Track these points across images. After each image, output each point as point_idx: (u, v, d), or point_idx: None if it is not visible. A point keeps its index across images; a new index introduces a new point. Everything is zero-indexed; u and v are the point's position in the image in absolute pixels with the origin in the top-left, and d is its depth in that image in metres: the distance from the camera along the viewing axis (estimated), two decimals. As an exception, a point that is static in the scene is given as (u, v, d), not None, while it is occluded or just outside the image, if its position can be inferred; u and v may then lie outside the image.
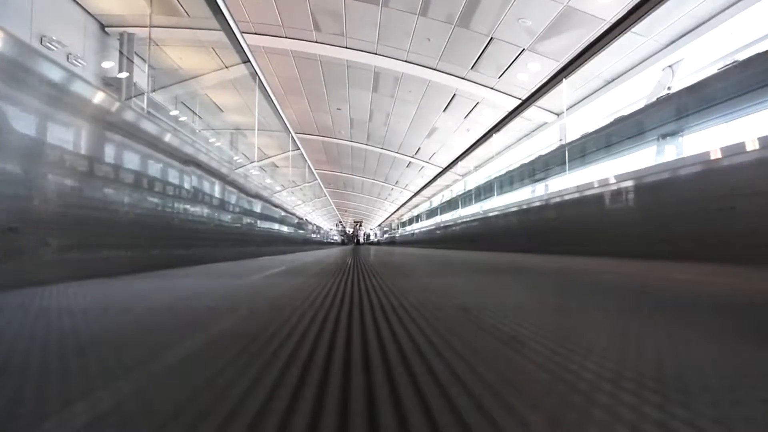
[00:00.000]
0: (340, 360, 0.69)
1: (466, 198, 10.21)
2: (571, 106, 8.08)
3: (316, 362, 0.67)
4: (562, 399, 0.52)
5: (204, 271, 2.65)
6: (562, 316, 1.19)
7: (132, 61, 7.13)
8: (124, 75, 6.89)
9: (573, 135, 7.20)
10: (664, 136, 3.62)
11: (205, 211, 3.51)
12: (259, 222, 5.51)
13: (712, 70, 3.81)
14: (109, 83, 6.56)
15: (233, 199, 4.34)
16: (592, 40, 4.84)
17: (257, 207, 5.40)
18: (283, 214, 7.69)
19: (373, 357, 0.71)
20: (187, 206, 3.06)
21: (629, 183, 3.28)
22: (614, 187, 3.41)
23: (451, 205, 11.75)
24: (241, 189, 4.69)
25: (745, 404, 0.50)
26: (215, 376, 0.60)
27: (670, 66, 5.57)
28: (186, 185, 3.03)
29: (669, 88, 5.33)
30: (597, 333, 0.93)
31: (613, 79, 6.85)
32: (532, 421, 0.46)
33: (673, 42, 5.48)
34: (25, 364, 0.66)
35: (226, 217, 4.13)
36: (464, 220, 8.89)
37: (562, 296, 1.62)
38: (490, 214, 7.01)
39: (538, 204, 5.03)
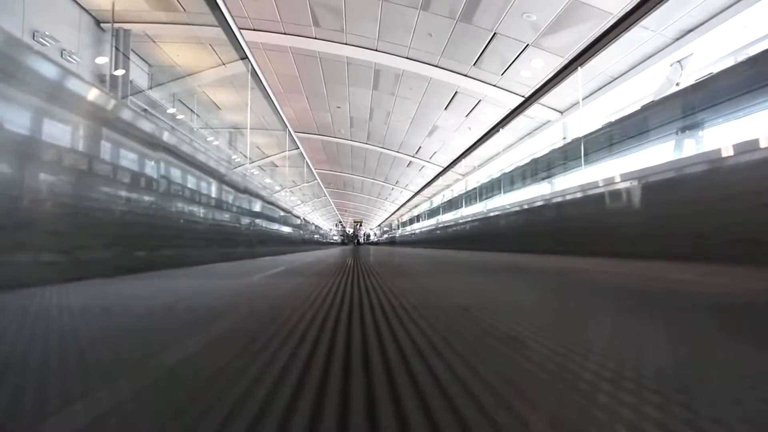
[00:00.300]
0: (340, 360, 0.70)
1: (467, 197, 10.20)
2: (575, 104, 8.07)
3: (317, 362, 0.68)
4: (562, 399, 0.53)
5: (203, 271, 2.65)
6: (562, 316, 1.21)
7: (128, 57, 7.11)
8: (120, 72, 6.86)
9: (576, 134, 7.17)
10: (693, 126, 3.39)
11: (187, 207, 3.11)
12: (256, 222, 5.39)
13: (725, 65, 3.69)
14: (104, 79, 6.55)
15: (224, 197, 4.01)
16: (599, 34, 4.80)
17: (255, 207, 5.28)
18: (282, 214, 7.68)
19: (373, 357, 0.72)
20: (159, 200, 2.67)
21: (651, 178, 3.03)
22: (627, 184, 3.30)
23: (451, 204, 11.75)
24: (231, 184, 4.32)
25: (745, 404, 0.51)
26: (216, 376, 0.61)
27: (678, 61, 5.54)
28: (154, 174, 2.59)
29: (677, 85, 5.30)
30: (596, 333, 0.93)
31: (617, 77, 6.82)
32: (532, 421, 0.46)
33: (683, 36, 5.43)
34: (24, 364, 0.67)
35: (221, 216, 3.91)
36: (465, 219, 8.88)
37: (562, 296, 1.63)
38: (491, 214, 6.99)
39: (545, 203, 4.99)
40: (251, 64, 6.48)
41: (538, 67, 7.37)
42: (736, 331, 0.96)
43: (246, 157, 10.46)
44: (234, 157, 10.63)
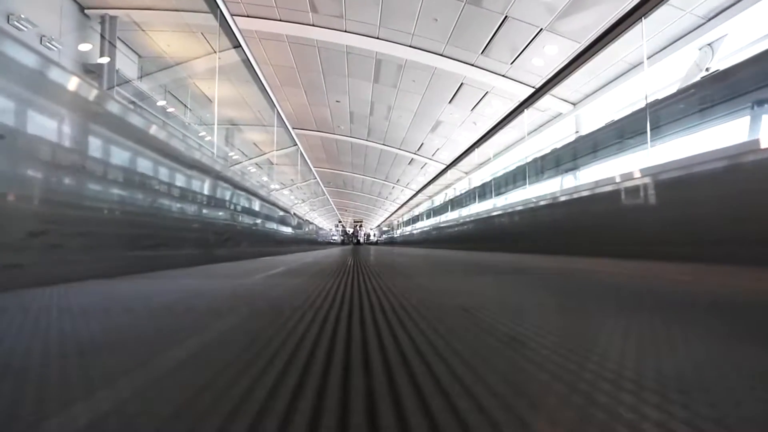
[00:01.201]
0: (340, 360, 0.72)
1: (470, 196, 10.02)
2: (590, 95, 7.85)
3: (317, 362, 0.70)
4: (562, 399, 0.54)
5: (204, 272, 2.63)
6: (562, 316, 1.24)
7: (114, 46, 6.94)
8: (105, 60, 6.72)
9: (587, 129, 6.92)
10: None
11: (80, 182, 2.00)
12: (219, 214, 4.36)
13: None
14: (90, 70, 6.42)
15: (152, 171, 2.78)
16: (620, 16, 4.52)
17: (213, 191, 4.04)
18: (281, 213, 7.55)
19: (373, 357, 0.73)
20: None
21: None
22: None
23: (453, 204, 11.61)
24: (167, 153, 2.99)
25: (745, 404, 0.52)
26: (216, 377, 0.62)
27: (709, 44, 5.26)
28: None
29: (707, 70, 5.03)
30: (596, 333, 0.95)
31: (639, 63, 6.54)
32: (532, 421, 0.47)
33: (715, 16, 5.11)
34: (24, 364, 0.70)
35: (150, 200, 2.74)
36: (467, 219, 8.74)
37: (563, 297, 1.66)
38: (494, 213, 6.83)
39: (553, 201, 4.75)
40: (245, 52, 6.27)
41: (552, 54, 7.16)
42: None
43: (245, 155, 10.21)
44: (232, 154, 10.41)
